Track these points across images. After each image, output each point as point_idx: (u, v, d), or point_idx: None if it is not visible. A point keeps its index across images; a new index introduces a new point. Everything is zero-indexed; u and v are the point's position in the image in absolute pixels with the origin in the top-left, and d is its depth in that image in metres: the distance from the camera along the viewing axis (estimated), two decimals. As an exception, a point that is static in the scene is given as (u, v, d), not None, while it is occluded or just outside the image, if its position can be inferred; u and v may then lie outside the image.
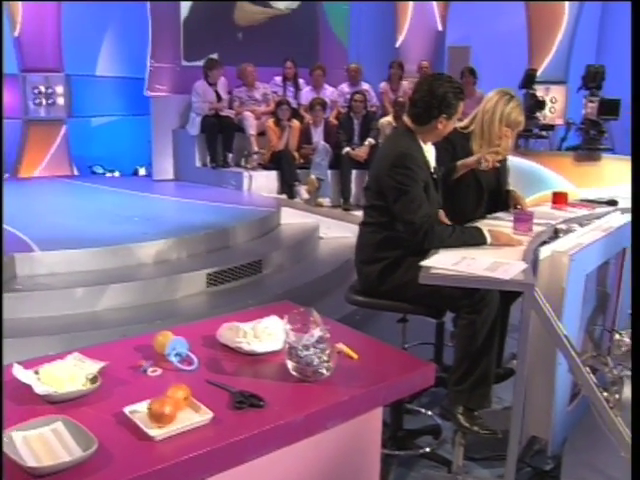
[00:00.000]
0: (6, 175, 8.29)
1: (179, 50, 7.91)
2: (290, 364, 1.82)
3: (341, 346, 1.99)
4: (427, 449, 3.06)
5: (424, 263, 2.32)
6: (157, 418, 1.55)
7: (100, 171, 8.82)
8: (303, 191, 6.99)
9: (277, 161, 7.11)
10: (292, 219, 6.35)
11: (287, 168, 6.98)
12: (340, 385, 1.80)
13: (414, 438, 3.15)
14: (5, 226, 5.14)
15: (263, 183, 7.14)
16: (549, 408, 2.72)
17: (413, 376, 1.94)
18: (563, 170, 7.77)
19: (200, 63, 7.60)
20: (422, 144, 2.84)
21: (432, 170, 2.89)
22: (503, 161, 3.45)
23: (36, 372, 1.77)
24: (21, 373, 1.75)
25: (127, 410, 1.61)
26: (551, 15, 9.10)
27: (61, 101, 8.47)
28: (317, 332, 1.77)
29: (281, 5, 8.34)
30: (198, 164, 7.67)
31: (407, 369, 1.97)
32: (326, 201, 6.97)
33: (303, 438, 1.69)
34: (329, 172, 7.02)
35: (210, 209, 6.15)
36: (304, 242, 5.92)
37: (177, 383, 1.69)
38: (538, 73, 8.78)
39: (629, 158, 2.78)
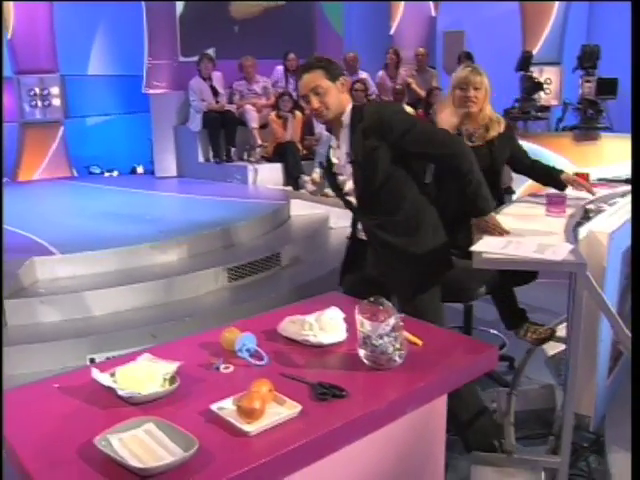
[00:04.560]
0: (5, 179, 8.24)
1: (176, 46, 7.87)
2: (363, 353, 1.84)
3: (405, 333, 2.01)
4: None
5: (474, 248, 2.34)
6: (248, 414, 1.56)
7: (97, 171, 8.79)
8: (308, 182, 6.98)
9: (281, 153, 7.10)
10: (301, 211, 6.36)
11: (292, 160, 6.98)
12: (413, 371, 1.83)
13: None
14: (20, 231, 5.13)
15: (268, 176, 7.14)
16: (592, 386, 2.77)
17: (479, 359, 1.97)
18: (563, 150, 7.82)
19: (197, 59, 7.58)
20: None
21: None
22: (499, 138, 3.41)
23: (112, 375, 1.78)
24: (100, 376, 1.75)
25: (214, 407, 1.62)
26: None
27: (57, 102, 8.42)
28: (392, 320, 1.79)
29: (275, -4, 8.32)
30: (201, 159, 7.65)
31: (472, 352, 2.00)
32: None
33: (385, 425, 1.72)
34: (334, 162, 7.02)
35: (219, 204, 6.15)
36: (316, 233, 5.94)
37: (258, 378, 1.70)
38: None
39: (628, 136, 2.81)
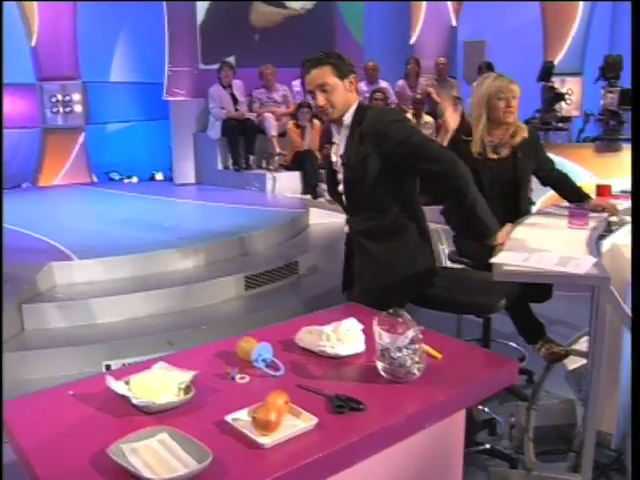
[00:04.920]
0: (26, 184, 8.32)
1: (197, 54, 7.91)
2: (381, 365, 1.81)
3: (424, 345, 1.98)
4: (487, 445, 3.06)
5: (494, 260, 2.31)
6: (263, 426, 1.54)
7: (117, 177, 8.84)
8: (326, 191, 6.97)
9: (299, 162, 7.10)
10: (319, 219, 6.34)
11: (310, 168, 6.97)
12: (432, 385, 1.79)
13: (471, 434, 3.14)
14: (39, 236, 5.17)
15: (286, 184, 7.13)
16: (614, 402, 2.72)
17: (498, 373, 1.93)
18: (584, 162, 7.72)
19: (217, 66, 7.61)
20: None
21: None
22: (523, 147, 3.38)
23: (127, 383, 1.76)
24: (115, 385, 1.73)
25: (229, 418, 1.60)
26: (566, 7, 9.06)
27: (78, 109, 8.51)
28: (411, 333, 1.76)
29: (296, 5, 8.33)
30: (220, 167, 7.67)
31: (492, 366, 1.96)
32: (351, 200, 6.95)
33: (403, 439, 1.69)
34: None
35: (237, 212, 6.15)
36: (335, 242, 5.89)
37: (275, 389, 1.67)
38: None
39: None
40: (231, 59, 7.82)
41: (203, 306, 4.44)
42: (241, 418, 1.60)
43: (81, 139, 8.59)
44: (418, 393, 1.76)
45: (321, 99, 2.48)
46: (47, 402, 1.81)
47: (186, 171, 8.00)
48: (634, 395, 1.98)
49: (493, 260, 2.30)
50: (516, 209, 3.39)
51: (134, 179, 8.79)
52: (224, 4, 7.90)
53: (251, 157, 7.48)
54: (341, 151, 2.58)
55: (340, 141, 2.59)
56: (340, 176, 2.62)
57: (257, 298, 4.66)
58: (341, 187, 2.64)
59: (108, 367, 3.42)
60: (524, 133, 3.34)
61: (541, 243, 2.62)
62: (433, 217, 6.44)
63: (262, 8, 8.12)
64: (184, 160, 7.97)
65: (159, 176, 8.73)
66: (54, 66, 8.17)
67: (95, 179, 8.73)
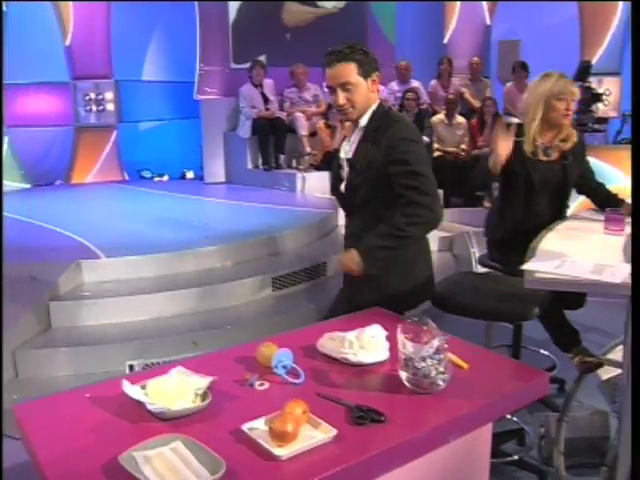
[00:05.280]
0: (59, 181, 8.42)
1: (228, 53, 7.91)
2: (404, 375, 1.74)
3: (450, 355, 1.91)
4: (515, 456, 2.96)
5: (526, 267, 2.22)
6: (280, 436, 1.48)
7: (148, 175, 8.87)
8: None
9: (329, 162, 7.02)
10: (348, 220, 6.27)
11: (340, 169, 6.90)
12: (457, 397, 1.72)
13: (499, 444, 3.05)
14: (67, 233, 5.20)
15: (316, 184, 7.07)
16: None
17: (528, 386, 1.85)
18: (621, 164, 7.51)
19: (249, 65, 7.60)
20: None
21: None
22: (572, 151, 3.31)
23: (143, 387, 1.73)
24: (131, 389, 1.70)
25: (245, 428, 1.55)
26: (605, 6, 8.85)
27: (111, 107, 8.58)
28: (436, 342, 1.69)
29: (328, 4, 8.28)
30: (250, 166, 7.65)
31: (521, 378, 1.87)
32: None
33: (426, 453, 1.62)
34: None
35: (266, 212, 6.12)
36: (363, 243, 5.84)
37: (293, 398, 1.62)
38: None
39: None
40: (262, 58, 7.80)
41: (229, 306, 4.41)
42: (257, 427, 1.56)
43: (113, 137, 8.65)
44: (442, 405, 1.69)
45: (342, 98, 2.37)
46: (63, 404, 1.79)
47: (216, 170, 8.00)
48: (634, 396, 1.89)
49: (524, 267, 2.21)
50: (560, 213, 3.32)
51: (165, 177, 8.82)
52: (256, 3, 7.88)
53: (281, 156, 7.45)
54: (351, 152, 2.49)
55: (352, 142, 2.50)
56: (344, 176, 2.53)
57: (284, 299, 4.62)
58: (343, 187, 2.55)
59: (131, 368, 3.41)
60: (574, 138, 3.27)
61: (575, 249, 2.53)
62: (464, 219, 6.38)
63: (294, 7, 8.08)
64: (214, 159, 7.97)
65: (190, 174, 8.74)
66: (88, 65, 8.25)
67: (127, 177, 8.79)
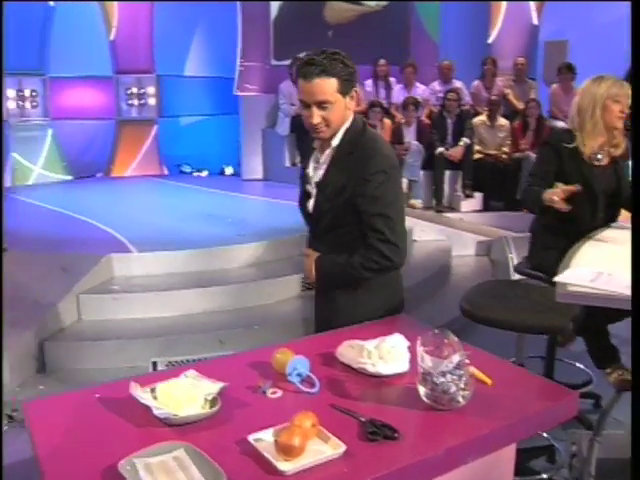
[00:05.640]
0: (99, 174, 8.52)
1: (269, 49, 7.89)
2: (423, 390, 1.65)
3: (473, 369, 1.81)
4: (544, 475, 2.84)
5: (558, 279, 2.10)
6: (286, 450, 1.42)
7: (188, 170, 8.92)
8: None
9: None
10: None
11: (378, 168, 6.81)
12: (478, 415, 1.63)
13: (528, 461, 2.94)
14: (101, 226, 5.23)
15: (353, 184, 6.99)
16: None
17: (556, 406, 1.74)
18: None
19: (289, 62, 7.55)
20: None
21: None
22: (622, 158, 3.21)
23: (152, 390, 1.68)
24: (139, 392, 1.65)
25: (252, 438, 1.49)
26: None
27: (152, 102, 8.65)
28: (456, 357, 1.60)
29: (372, 2, 8.17)
30: (287, 164, 7.62)
31: (548, 398, 1.77)
32: (419, 203, 6.76)
33: (441, 474, 1.53)
34: (421, 173, 6.82)
35: (301, 210, 6.06)
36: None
37: (303, 410, 1.55)
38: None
39: None
40: (303, 55, 7.73)
41: (258, 305, 4.38)
42: (264, 439, 1.49)
43: (154, 131, 8.72)
44: (461, 423, 1.60)
45: (317, 116, 2.10)
46: (72, 403, 1.75)
47: (254, 166, 7.99)
48: (634, 397, 1.80)
49: (557, 278, 2.10)
50: (612, 220, 3.22)
51: (204, 173, 8.86)
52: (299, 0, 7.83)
53: (319, 155, 7.37)
54: (320, 175, 2.23)
55: (322, 162, 2.23)
56: (312, 196, 2.29)
57: (313, 301, 4.55)
58: (311, 205, 2.30)
59: (154, 364, 3.39)
60: (624, 144, 3.16)
61: (613, 261, 2.40)
62: (503, 223, 6.22)
63: (336, 4, 8.00)
64: (252, 155, 7.96)
65: (229, 170, 8.76)
66: (130, 60, 8.33)
67: (166, 171, 8.84)
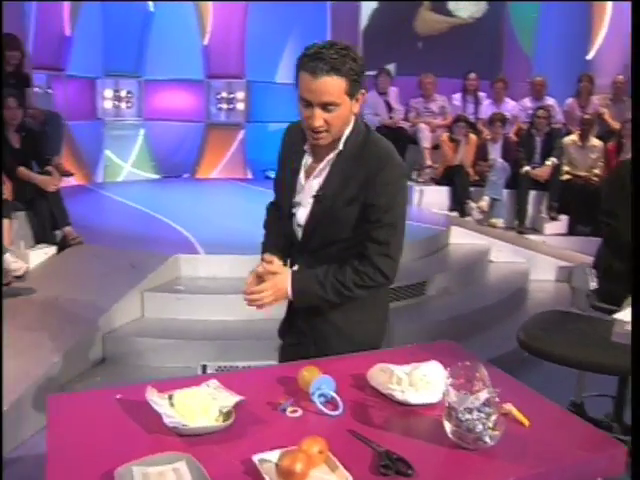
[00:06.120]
0: (186, 174, 8.73)
1: (357, 59, 7.83)
2: (448, 426, 1.53)
3: (510, 407, 1.67)
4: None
5: (618, 316, 1.92)
6: (286, 475, 1.34)
7: (272, 176, 8.95)
8: (475, 210, 6.61)
9: (450, 176, 6.77)
10: (462, 239, 6.00)
11: (460, 184, 6.63)
12: (506, 459, 1.49)
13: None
14: (176, 225, 5.33)
15: (433, 199, 6.84)
16: None
17: (597, 458, 1.57)
18: None
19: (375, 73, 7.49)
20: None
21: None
22: None
23: (170, 397, 1.64)
24: (155, 398, 1.62)
25: (256, 459, 1.42)
26: None
27: (241, 106, 8.78)
28: (483, 394, 1.47)
29: (464, 14, 7.98)
30: (366, 174, 7.51)
31: (590, 448, 1.60)
32: (500, 222, 6.51)
33: (456, 521, 1.41)
34: (505, 191, 6.57)
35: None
36: (473, 265, 5.55)
37: (316, 433, 1.47)
38: None
39: None
40: (391, 66, 7.67)
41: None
42: (270, 460, 1.42)
43: (240, 136, 8.85)
44: (486, 467, 1.47)
45: (319, 119, 1.86)
46: (92, 401, 1.75)
47: (335, 176, 7.94)
48: (634, 396, 1.70)
49: (616, 315, 1.92)
50: None
51: (288, 179, 8.88)
52: (389, 10, 7.76)
53: (401, 167, 7.25)
54: (317, 184, 2.00)
55: (321, 170, 2.00)
56: (303, 207, 2.03)
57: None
58: (301, 218, 2.04)
59: (204, 368, 3.39)
60: None
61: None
62: (588, 249, 5.88)
63: (428, 16, 7.88)
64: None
65: (312, 178, 8.75)
66: (222, 64, 8.50)
67: (250, 175, 8.95)
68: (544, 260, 5.91)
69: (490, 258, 5.91)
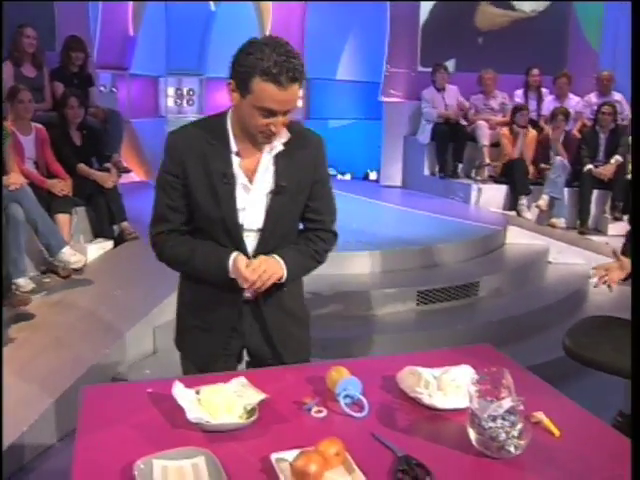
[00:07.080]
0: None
1: (416, 55, 7.75)
2: (472, 434, 1.50)
3: (541, 416, 1.62)
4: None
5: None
6: (299, 476, 1.34)
7: (332, 173, 8.98)
8: (526, 209, 6.42)
9: (509, 172, 6.60)
10: (519, 239, 5.86)
11: (519, 178, 6.44)
12: (530, 470, 1.45)
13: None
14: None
15: (492, 197, 6.69)
16: None
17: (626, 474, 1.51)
18: None
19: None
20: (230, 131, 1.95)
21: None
22: None
23: (197, 392, 1.67)
24: (180, 393, 1.65)
25: (274, 457, 1.42)
26: None
27: (300, 103, 8.79)
28: (507, 402, 1.43)
29: (527, 7, 7.76)
30: (426, 172, 7.44)
31: (622, 463, 1.53)
32: (560, 222, 6.30)
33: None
34: (566, 190, 6.36)
35: (432, 221, 5.90)
36: (529, 266, 5.40)
37: (334, 436, 1.46)
38: None
39: None
40: (451, 62, 7.55)
41: (369, 315, 4.29)
42: (287, 459, 1.42)
43: (301, 133, 8.86)
44: (509, 476, 1.43)
45: (280, 124, 1.86)
46: (124, 394, 1.80)
47: (393, 173, 7.90)
48: (634, 397, 1.59)
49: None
50: None
51: (347, 176, 8.89)
52: (448, 5, 7.62)
53: (459, 165, 7.14)
54: (267, 181, 1.94)
55: (262, 168, 1.94)
56: (253, 209, 1.94)
57: (428, 315, 4.40)
58: (254, 221, 1.94)
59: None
60: None
61: None
62: None
63: (489, 10, 7.69)
64: (392, 162, 7.88)
65: (373, 175, 8.72)
66: (281, 62, 8.53)
67: (310, 172, 8.97)
68: (606, 262, 5.69)
69: (549, 259, 5.74)
